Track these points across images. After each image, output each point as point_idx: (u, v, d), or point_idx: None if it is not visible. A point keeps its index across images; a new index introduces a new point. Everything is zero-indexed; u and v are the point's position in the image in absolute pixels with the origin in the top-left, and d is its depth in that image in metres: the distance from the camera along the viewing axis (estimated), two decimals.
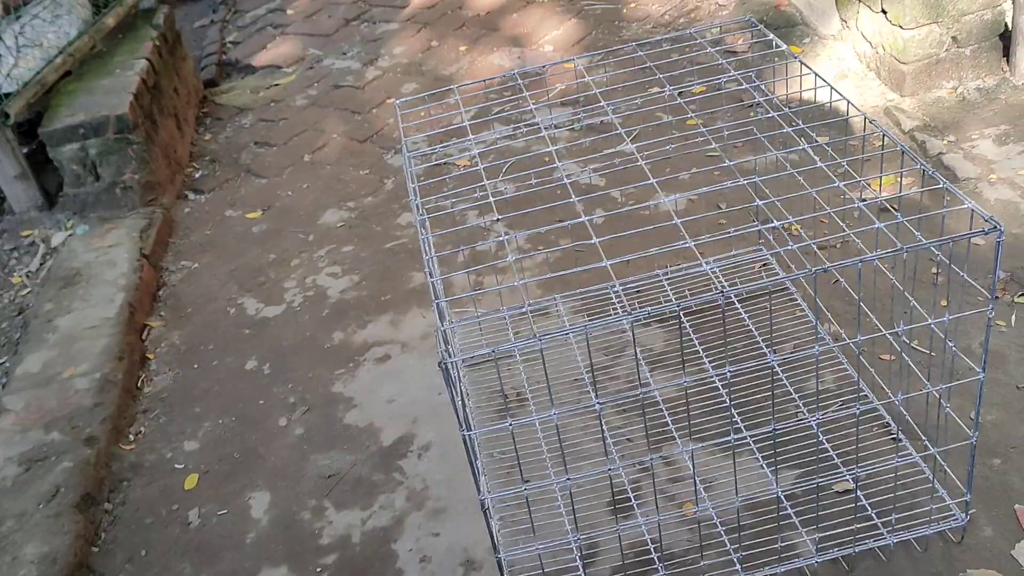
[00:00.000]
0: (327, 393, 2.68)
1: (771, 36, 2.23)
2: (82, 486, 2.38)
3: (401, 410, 2.57)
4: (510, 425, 1.59)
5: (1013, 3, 3.29)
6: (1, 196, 3.62)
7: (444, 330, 1.60)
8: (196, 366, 2.89)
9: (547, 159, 3.56)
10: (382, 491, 2.33)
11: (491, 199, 1.94)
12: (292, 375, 2.78)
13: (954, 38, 3.35)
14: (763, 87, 2.31)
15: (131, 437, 2.64)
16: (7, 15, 3.70)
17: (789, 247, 2.11)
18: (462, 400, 1.64)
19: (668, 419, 2.25)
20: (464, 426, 1.63)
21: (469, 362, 2.51)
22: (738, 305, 2.53)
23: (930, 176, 1.70)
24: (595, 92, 2.22)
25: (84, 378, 2.72)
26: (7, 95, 3.47)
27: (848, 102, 1.96)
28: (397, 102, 2.31)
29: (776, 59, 2.41)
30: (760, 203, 1.84)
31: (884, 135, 1.85)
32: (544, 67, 2.36)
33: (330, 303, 3.06)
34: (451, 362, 1.42)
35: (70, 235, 3.46)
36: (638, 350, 2.26)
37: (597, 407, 1.55)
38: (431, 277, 1.75)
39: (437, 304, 1.68)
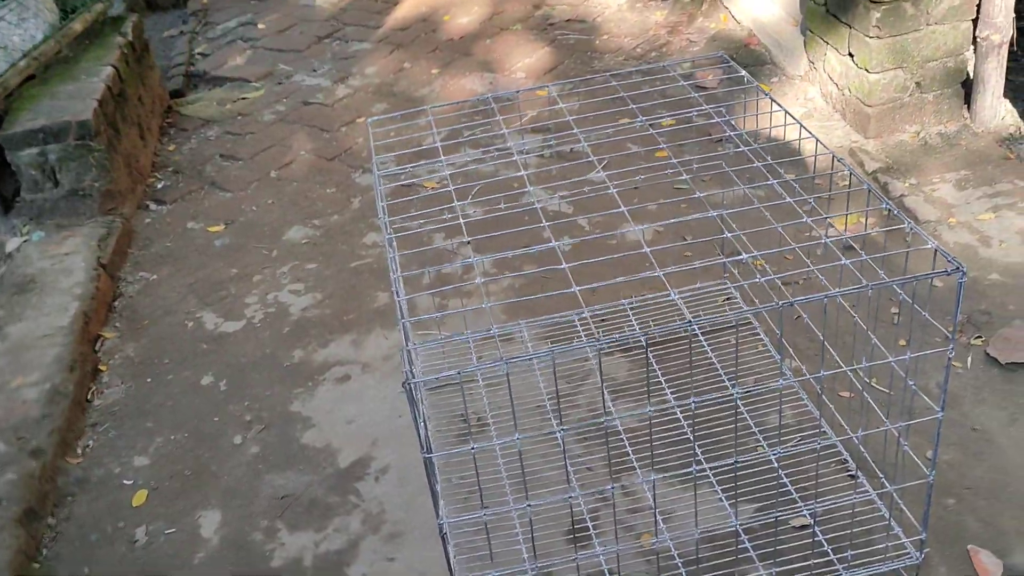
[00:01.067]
0: (285, 412, 2.63)
1: (743, 72, 2.26)
2: (25, 499, 2.30)
3: (360, 431, 2.53)
4: (473, 449, 1.56)
5: (975, 52, 3.38)
6: None
7: (409, 350, 1.58)
8: (150, 380, 2.83)
9: (516, 184, 3.56)
10: (337, 514, 2.28)
11: (461, 221, 1.93)
12: (249, 392, 2.73)
13: (918, 83, 3.42)
14: (732, 122, 2.33)
15: (79, 451, 2.57)
16: None
17: (754, 280, 2.13)
18: (424, 422, 1.61)
19: (629, 449, 2.24)
20: (425, 448, 1.60)
21: (433, 384, 2.49)
22: (701, 337, 2.54)
23: (895, 215, 1.73)
24: (568, 119, 2.23)
25: (33, 388, 2.64)
26: None
27: (817, 140, 1.99)
28: (369, 120, 2.29)
29: (744, 95, 2.44)
30: (728, 235, 1.85)
31: (851, 173, 1.87)
32: (517, 92, 2.36)
33: (291, 320, 3.02)
34: (415, 383, 1.40)
35: (25, 241, 3.38)
36: (602, 378, 2.25)
37: (559, 434, 1.53)
38: (398, 296, 1.73)
39: (403, 324, 1.66)
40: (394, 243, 1.93)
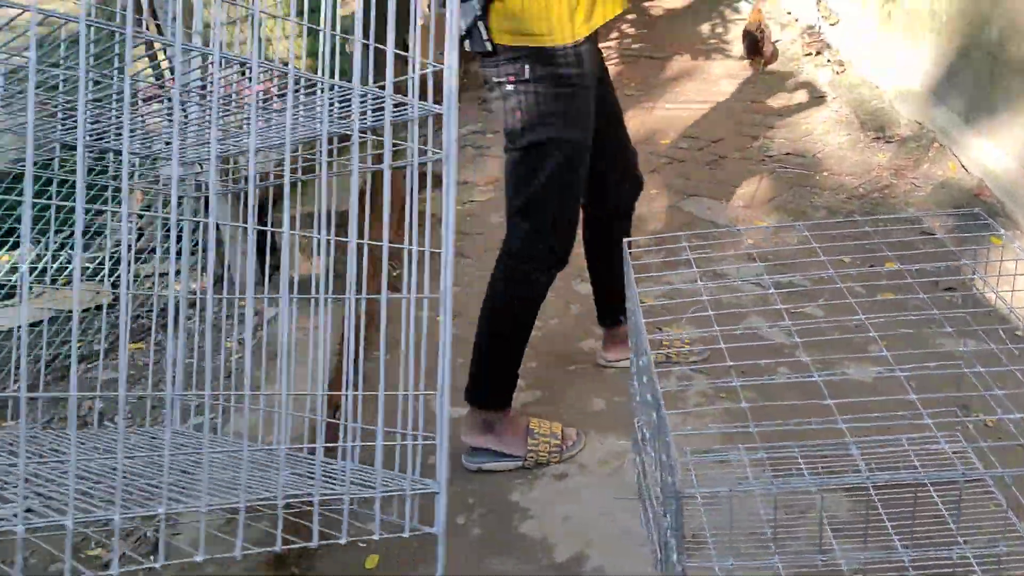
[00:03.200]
0: (505, 500, 2.78)
1: (1002, 231, 2.29)
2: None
3: (575, 529, 2.64)
4: (731, 564, 1.64)
5: None
6: (227, 267, 4.00)
7: (675, 463, 1.69)
8: None
9: (735, 312, 3.65)
10: None
11: (714, 340, 2.04)
12: (472, 477, 2.90)
13: None
14: (979, 274, 2.36)
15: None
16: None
17: (997, 444, 2.11)
18: (679, 531, 1.71)
19: None
20: (677, 556, 1.70)
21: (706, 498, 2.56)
22: (932, 489, 2.50)
23: None
24: (806, 260, 2.32)
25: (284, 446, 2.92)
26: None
27: None
28: (626, 241, 2.48)
29: (976, 245, 2.46)
30: (964, 392, 1.87)
31: None
32: (767, 227, 2.49)
33: None
34: (693, 493, 1.51)
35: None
36: (867, 515, 2.26)
37: (843, 563, 1.59)
38: (661, 411, 1.85)
39: (666, 437, 1.78)
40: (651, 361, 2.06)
